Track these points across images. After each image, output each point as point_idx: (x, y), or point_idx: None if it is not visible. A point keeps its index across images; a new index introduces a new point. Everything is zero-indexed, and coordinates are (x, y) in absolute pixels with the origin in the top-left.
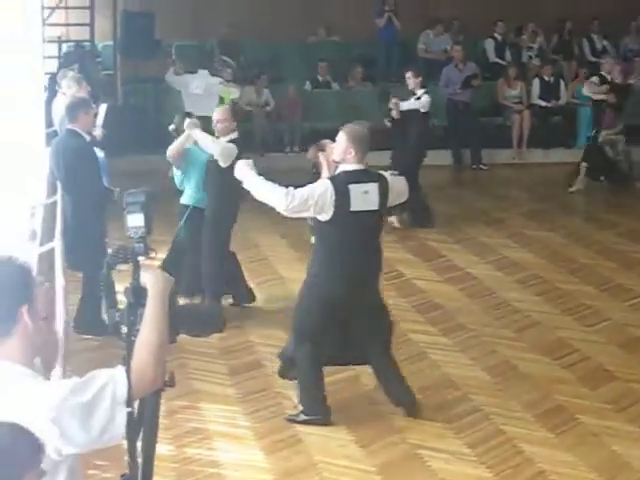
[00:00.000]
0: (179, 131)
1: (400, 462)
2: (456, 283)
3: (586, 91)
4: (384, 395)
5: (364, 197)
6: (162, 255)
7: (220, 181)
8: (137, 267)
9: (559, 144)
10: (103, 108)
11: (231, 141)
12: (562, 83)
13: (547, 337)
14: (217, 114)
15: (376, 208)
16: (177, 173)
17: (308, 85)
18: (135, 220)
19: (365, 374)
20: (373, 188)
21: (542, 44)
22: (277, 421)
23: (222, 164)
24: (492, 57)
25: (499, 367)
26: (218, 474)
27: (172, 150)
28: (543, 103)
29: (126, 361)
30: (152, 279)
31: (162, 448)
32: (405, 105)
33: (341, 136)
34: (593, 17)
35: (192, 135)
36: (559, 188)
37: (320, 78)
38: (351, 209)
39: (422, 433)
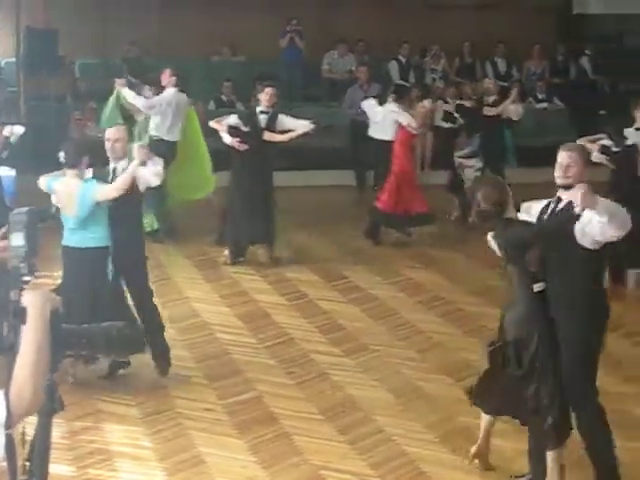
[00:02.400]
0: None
1: None
2: (359, 304)
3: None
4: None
5: None
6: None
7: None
8: (19, 287)
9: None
10: (19, 129)
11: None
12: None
13: (450, 358)
14: (111, 132)
15: None
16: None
17: (212, 104)
18: (17, 239)
19: (268, 394)
20: None
21: (445, 66)
22: (179, 442)
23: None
24: (396, 78)
25: (402, 388)
26: None
27: (126, 183)
28: (446, 125)
29: (5, 383)
30: (31, 299)
31: (63, 469)
32: None
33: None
34: (498, 41)
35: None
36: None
37: (224, 98)
38: None
39: (325, 454)
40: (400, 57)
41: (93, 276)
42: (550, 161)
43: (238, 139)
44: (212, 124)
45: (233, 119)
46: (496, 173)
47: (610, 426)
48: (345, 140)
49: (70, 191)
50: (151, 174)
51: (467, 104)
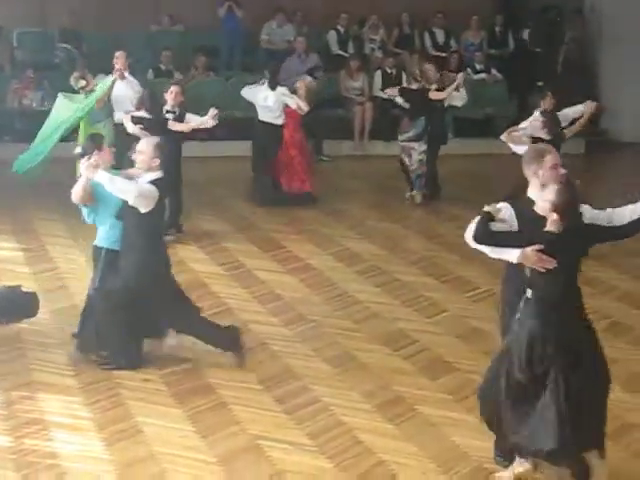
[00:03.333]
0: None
1: (240, 453)
2: (297, 274)
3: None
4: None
5: None
6: None
7: (142, 227)
8: None
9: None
10: None
11: (153, 182)
12: (404, 76)
13: (387, 328)
14: (139, 144)
15: None
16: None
17: (151, 74)
18: None
19: (206, 364)
20: None
21: (384, 37)
22: (117, 412)
23: (142, 210)
24: (335, 49)
25: (339, 358)
26: (57, 465)
27: (77, 194)
28: (385, 95)
29: None
30: None
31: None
32: None
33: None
34: (436, 11)
35: (94, 179)
36: (400, 180)
37: (163, 67)
38: None
39: (263, 424)
40: (339, 27)
41: None
42: (487, 132)
43: (141, 126)
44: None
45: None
46: (435, 154)
47: None
48: None
49: None
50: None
51: (412, 87)
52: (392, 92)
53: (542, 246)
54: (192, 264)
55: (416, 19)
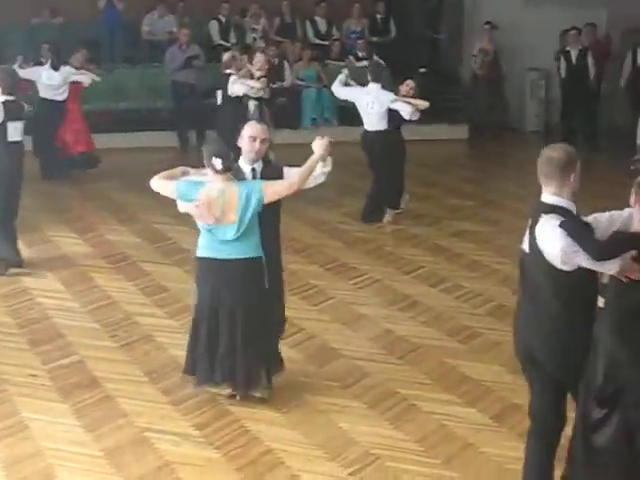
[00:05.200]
0: None
1: (127, 445)
2: (183, 265)
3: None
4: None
5: None
6: None
7: None
8: None
9: (284, 125)
10: None
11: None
12: (286, 65)
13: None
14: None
15: None
16: None
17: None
18: None
19: (92, 358)
20: None
21: (266, 26)
22: (3, 408)
23: None
24: (216, 39)
25: None
26: None
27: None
28: None
29: None
30: None
31: None
32: None
33: None
34: (319, 0)
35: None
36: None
37: (43, 60)
38: None
39: (149, 416)
40: (220, 17)
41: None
42: None
43: None
44: None
45: None
46: None
47: None
48: (167, 101)
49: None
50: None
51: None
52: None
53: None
54: (77, 258)
55: (297, 8)
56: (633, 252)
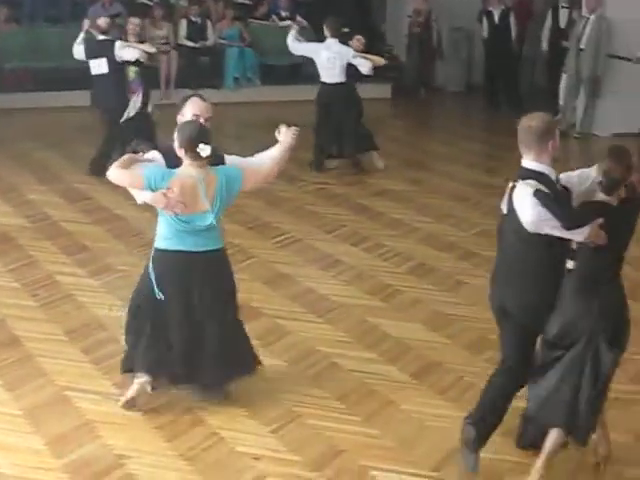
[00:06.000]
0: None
1: (47, 404)
2: (104, 224)
3: None
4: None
5: None
6: None
7: None
8: None
9: (207, 85)
10: None
11: None
12: (209, 24)
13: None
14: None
15: None
16: None
17: None
18: None
19: (12, 317)
20: None
21: None
22: None
23: None
24: None
25: None
26: None
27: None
28: (190, 44)
29: None
30: None
31: None
32: None
33: None
34: None
35: None
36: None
37: None
38: None
39: (70, 375)
40: None
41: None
42: (293, 80)
43: None
44: None
45: None
46: None
47: None
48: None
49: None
50: None
51: None
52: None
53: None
54: None
55: None
56: (600, 220)
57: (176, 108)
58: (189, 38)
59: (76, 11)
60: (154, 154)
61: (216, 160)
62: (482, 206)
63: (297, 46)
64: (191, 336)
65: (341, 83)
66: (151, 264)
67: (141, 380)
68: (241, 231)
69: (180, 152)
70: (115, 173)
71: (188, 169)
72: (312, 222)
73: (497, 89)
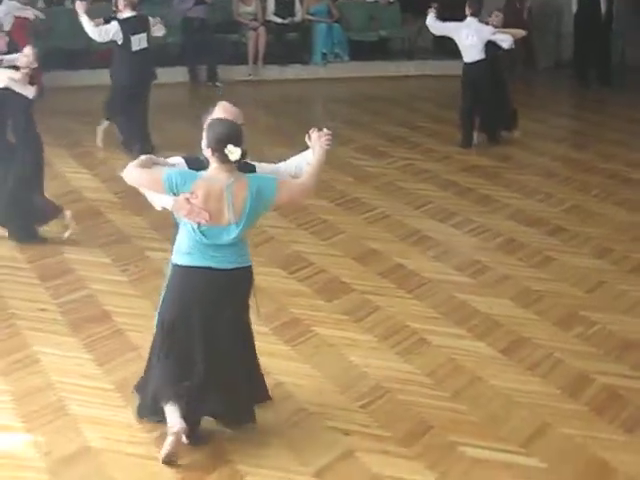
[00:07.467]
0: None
1: (137, 378)
2: None
3: None
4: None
5: None
6: None
7: None
8: None
9: (295, 61)
10: None
11: None
12: (297, 0)
13: (282, 251)
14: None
15: None
16: None
17: None
18: None
19: (102, 292)
20: None
21: None
22: (13, 342)
23: None
24: None
25: None
26: None
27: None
28: (278, 20)
29: None
30: None
31: None
32: None
33: None
34: None
35: None
36: (295, 104)
37: None
38: None
39: None
40: None
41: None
42: (382, 54)
43: None
44: None
45: None
46: None
47: None
48: (177, 37)
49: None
50: None
51: None
52: None
53: None
54: (87, 193)
55: None
56: None
57: (263, 84)
58: (277, 14)
59: None
60: (178, 159)
61: (246, 168)
62: (571, 182)
63: (438, 25)
64: (214, 369)
65: (483, 60)
66: (167, 282)
67: (174, 430)
68: (330, 207)
69: (207, 152)
70: (133, 173)
71: (215, 173)
72: (400, 198)
73: (588, 65)
